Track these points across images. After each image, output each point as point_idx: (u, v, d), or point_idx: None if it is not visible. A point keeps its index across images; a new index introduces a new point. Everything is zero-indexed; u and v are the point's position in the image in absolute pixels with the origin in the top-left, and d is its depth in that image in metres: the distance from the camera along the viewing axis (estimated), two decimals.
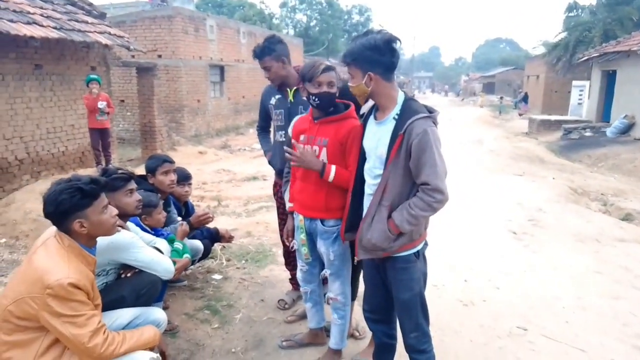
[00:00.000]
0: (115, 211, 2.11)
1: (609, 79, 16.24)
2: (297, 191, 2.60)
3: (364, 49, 2.04)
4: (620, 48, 14.81)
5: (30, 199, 6.12)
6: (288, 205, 2.74)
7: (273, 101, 3.15)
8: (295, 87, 3.00)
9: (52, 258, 1.90)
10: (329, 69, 2.41)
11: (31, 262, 1.91)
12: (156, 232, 2.93)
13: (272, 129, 3.39)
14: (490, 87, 49.49)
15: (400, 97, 2.12)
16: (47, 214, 1.97)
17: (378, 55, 2.04)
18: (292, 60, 3.14)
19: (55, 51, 7.43)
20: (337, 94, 2.44)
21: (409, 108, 2.07)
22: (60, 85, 7.63)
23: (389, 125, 2.09)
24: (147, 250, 2.48)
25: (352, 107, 2.49)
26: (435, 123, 2.07)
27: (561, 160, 11.85)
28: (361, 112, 2.45)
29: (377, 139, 2.15)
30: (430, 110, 2.09)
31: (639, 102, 13.48)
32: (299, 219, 2.62)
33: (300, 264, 2.80)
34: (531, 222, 5.94)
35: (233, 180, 9.04)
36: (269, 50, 2.98)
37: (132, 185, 2.65)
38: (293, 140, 2.55)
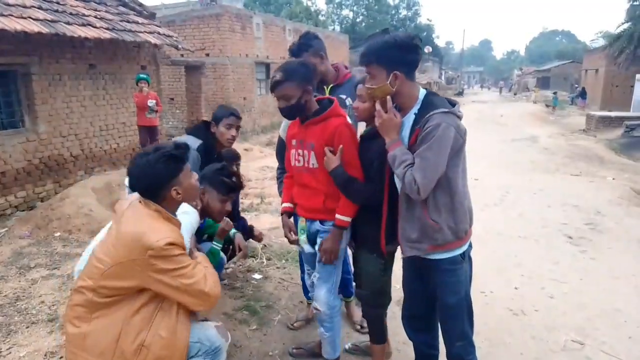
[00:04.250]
0: (196, 175, 2.10)
1: None
2: (296, 195, 2.55)
3: (388, 47, 1.95)
4: None
5: (83, 193, 6.36)
6: (283, 205, 2.67)
7: None
8: (332, 84, 2.90)
9: (145, 221, 1.88)
10: (276, 84, 2.28)
11: (121, 228, 1.89)
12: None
13: None
14: (545, 82, 47.37)
15: (422, 94, 2.04)
16: (142, 189, 1.94)
17: (404, 52, 1.95)
18: (338, 57, 3.04)
19: (108, 51, 7.69)
20: (301, 103, 2.30)
21: (430, 103, 1.99)
22: (112, 84, 7.91)
23: (409, 121, 2.03)
24: None
25: (335, 103, 2.38)
26: (459, 117, 1.96)
27: (622, 159, 11.11)
28: (360, 135, 2.39)
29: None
30: (452, 104, 2.00)
31: None
32: (301, 220, 2.54)
33: (307, 268, 2.74)
34: (589, 226, 5.56)
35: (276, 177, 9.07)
36: (306, 47, 2.86)
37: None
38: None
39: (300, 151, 2.40)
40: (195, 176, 2.07)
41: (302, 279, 3.09)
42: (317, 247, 2.44)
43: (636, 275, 4.19)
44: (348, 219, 2.32)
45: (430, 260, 2.09)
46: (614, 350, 3.00)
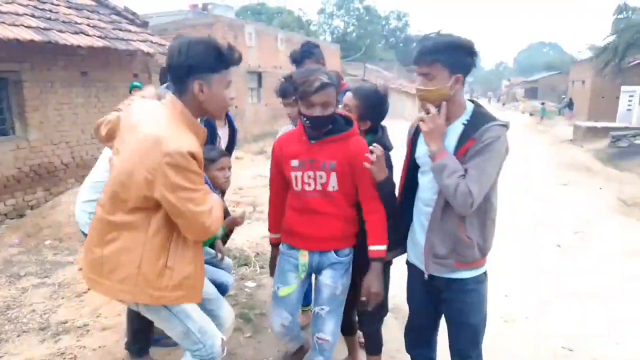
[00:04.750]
0: (234, 94, 1.90)
1: None
2: (299, 223, 2.19)
3: (455, 48, 1.82)
4: None
5: (75, 202, 6.32)
6: (273, 235, 2.41)
7: None
8: None
9: (165, 124, 1.69)
10: (324, 86, 1.97)
11: (140, 131, 1.69)
12: None
13: None
14: (533, 92, 48.08)
15: (469, 104, 1.95)
16: (171, 65, 1.72)
17: (468, 56, 1.84)
18: (330, 66, 3.09)
19: (101, 59, 7.69)
20: (333, 113, 2.07)
21: (482, 115, 1.91)
22: (104, 91, 7.90)
23: (456, 131, 1.89)
24: None
25: (355, 123, 2.17)
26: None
27: (609, 169, 11.28)
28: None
29: None
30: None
31: None
32: (301, 255, 2.21)
33: (282, 318, 2.31)
34: (577, 235, 5.66)
35: (268, 186, 9.08)
36: (308, 54, 2.94)
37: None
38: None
39: (310, 173, 2.09)
40: (232, 93, 1.84)
41: None
42: (331, 281, 2.19)
43: (624, 282, 4.27)
44: (384, 248, 2.11)
45: (453, 280, 1.99)
46: (603, 356, 3.06)
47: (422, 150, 2.00)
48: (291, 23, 31.81)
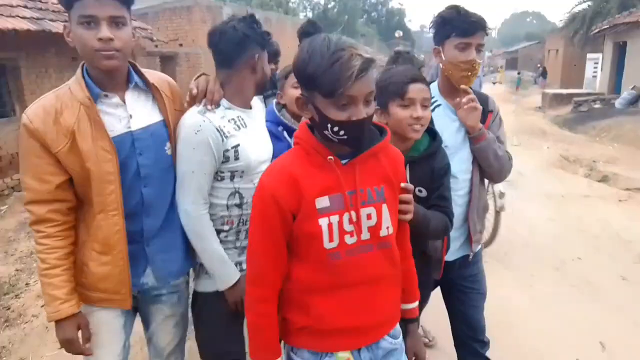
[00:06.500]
0: (106, 35, 1.35)
1: (621, 51, 16.33)
2: (335, 312, 1.28)
3: None
4: (631, 19, 14.90)
5: None
6: None
7: None
8: None
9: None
10: (368, 64, 1.13)
11: None
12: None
13: None
14: (513, 63, 48.92)
15: None
16: None
17: None
18: None
19: None
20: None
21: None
22: None
23: None
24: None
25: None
26: None
27: (564, 132, 12.22)
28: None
29: (459, 126, 1.90)
30: None
31: None
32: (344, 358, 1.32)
33: None
34: (508, 183, 6.61)
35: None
36: (320, 30, 3.15)
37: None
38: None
39: (351, 214, 1.25)
40: (101, 32, 1.35)
41: None
42: None
43: (531, 216, 5.25)
44: (417, 304, 1.54)
45: (467, 255, 1.98)
46: (504, 263, 4.03)
47: (449, 132, 1.86)
48: (270, 1, 32.04)
